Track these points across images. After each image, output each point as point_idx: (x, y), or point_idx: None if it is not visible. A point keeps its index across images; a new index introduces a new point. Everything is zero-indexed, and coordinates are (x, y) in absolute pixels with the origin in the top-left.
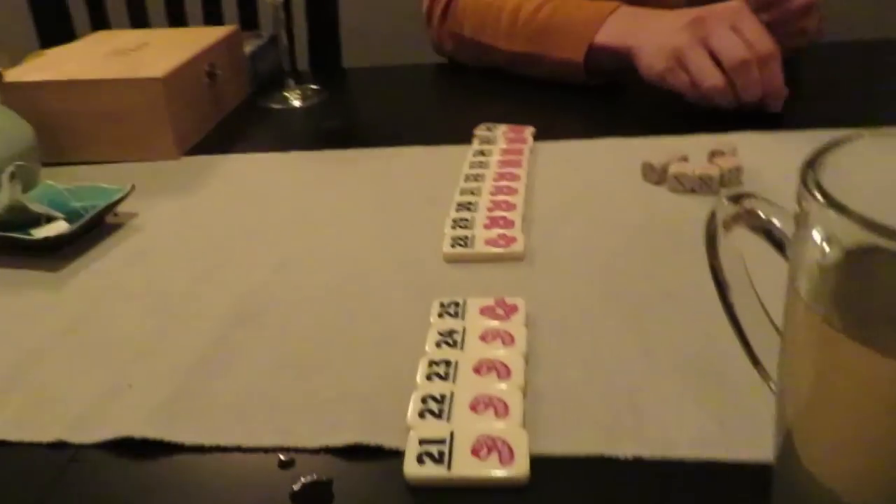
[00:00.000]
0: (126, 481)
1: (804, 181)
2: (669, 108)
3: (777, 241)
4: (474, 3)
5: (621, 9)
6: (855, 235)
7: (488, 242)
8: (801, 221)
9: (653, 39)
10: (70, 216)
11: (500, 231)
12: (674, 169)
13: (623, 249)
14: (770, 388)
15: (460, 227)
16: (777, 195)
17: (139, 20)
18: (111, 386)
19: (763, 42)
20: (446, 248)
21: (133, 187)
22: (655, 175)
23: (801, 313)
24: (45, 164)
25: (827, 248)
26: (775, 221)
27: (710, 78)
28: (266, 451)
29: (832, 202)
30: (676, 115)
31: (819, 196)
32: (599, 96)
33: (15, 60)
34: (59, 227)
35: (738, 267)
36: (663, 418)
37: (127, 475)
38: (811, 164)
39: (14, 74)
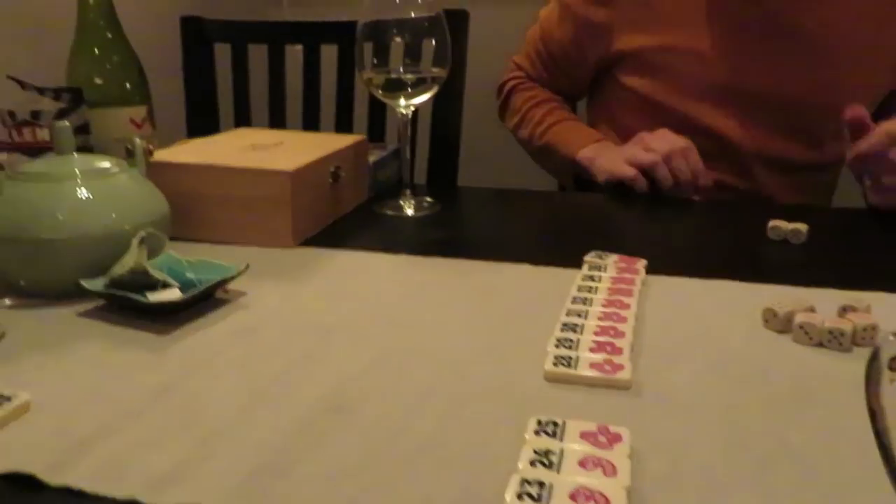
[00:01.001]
0: None
1: None
2: (795, 260)
3: None
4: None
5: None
6: None
7: (594, 366)
8: None
9: (609, 156)
10: (184, 286)
11: (607, 356)
12: (801, 318)
13: (741, 397)
14: None
15: (564, 346)
16: None
17: (278, 121)
18: (194, 452)
19: (680, 140)
20: (548, 365)
21: (247, 266)
22: (779, 323)
23: None
24: (173, 238)
25: None
26: None
27: (647, 156)
28: None
29: None
30: (801, 265)
31: None
32: (718, 238)
33: (165, 144)
34: (172, 294)
35: None
36: None
37: None
38: None
39: (162, 154)
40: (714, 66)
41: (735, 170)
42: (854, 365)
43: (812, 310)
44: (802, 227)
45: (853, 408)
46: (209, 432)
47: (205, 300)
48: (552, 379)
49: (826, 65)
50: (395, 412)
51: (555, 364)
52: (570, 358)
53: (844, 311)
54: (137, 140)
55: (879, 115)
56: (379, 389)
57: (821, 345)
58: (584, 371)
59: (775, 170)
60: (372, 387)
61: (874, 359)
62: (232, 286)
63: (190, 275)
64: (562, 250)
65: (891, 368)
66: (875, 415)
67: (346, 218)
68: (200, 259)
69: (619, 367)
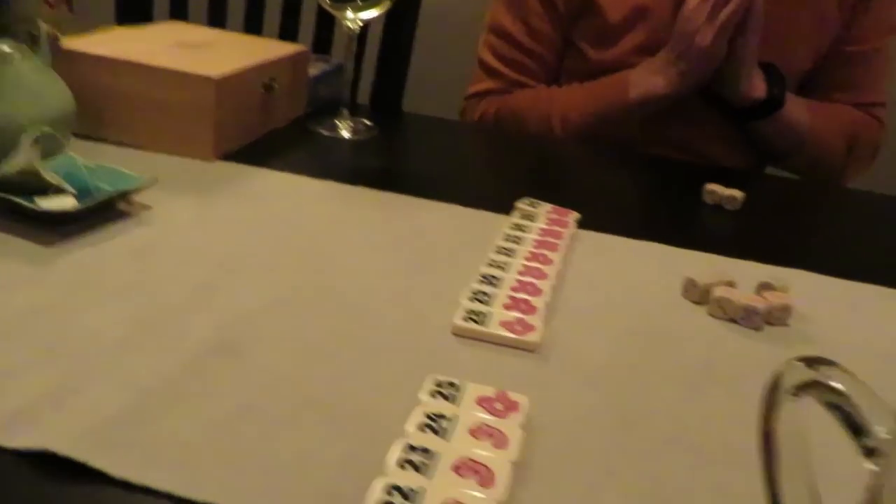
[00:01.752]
0: (34, 497)
1: None
2: (725, 228)
3: (857, 430)
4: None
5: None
6: None
7: (504, 324)
8: None
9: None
10: (81, 193)
11: (520, 315)
12: (718, 293)
13: (647, 370)
14: None
15: (479, 300)
16: (823, 348)
17: (217, 19)
18: (58, 386)
19: None
20: (458, 319)
21: (155, 180)
22: (697, 294)
23: None
24: (79, 135)
25: None
26: (863, 409)
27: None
28: None
29: None
30: (731, 237)
31: None
32: (654, 198)
33: (85, 29)
34: (65, 202)
35: (798, 444)
36: None
37: (37, 491)
38: None
39: (75, 43)
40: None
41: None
42: (763, 345)
43: (732, 284)
44: (738, 194)
45: (755, 395)
46: (78, 365)
47: (102, 212)
48: (460, 334)
49: None
50: (288, 359)
51: (465, 319)
52: (482, 313)
53: (763, 288)
54: (42, 24)
55: (803, 95)
56: (276, 332)
57: (734, 321)
58: (493, 329)
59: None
60: (269, 328)
61: (775, 384)
62: (137, 198)
63: (89, 182)
64: (496, 192)
65: (794, 395)
66: (767, 438)
67: (277, 133)
68: (103, 165)
69: (530, 329)
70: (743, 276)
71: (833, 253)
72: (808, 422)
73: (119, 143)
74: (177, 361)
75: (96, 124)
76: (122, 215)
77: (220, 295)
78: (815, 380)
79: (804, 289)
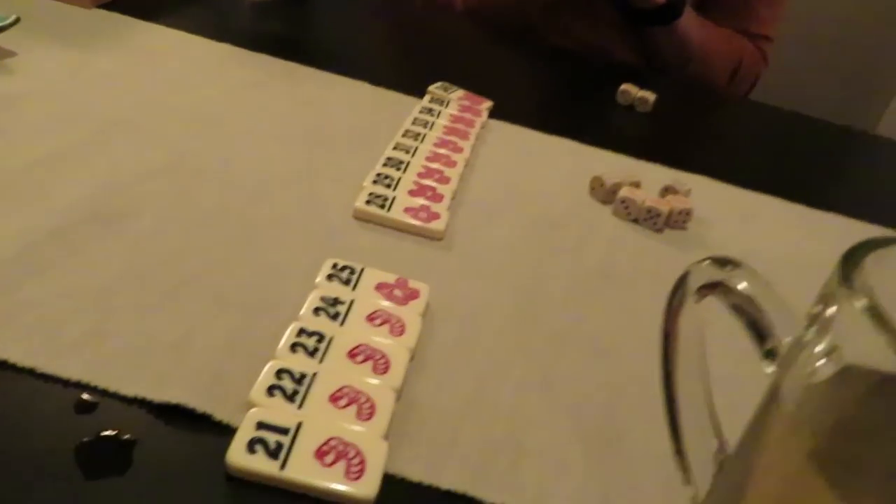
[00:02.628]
0: None
1: (845, 278)
2: (635, 129)
3: (760, 333)
4: None
5: None
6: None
7: (408, 211)
8: (819, 325)
9: None
10: None
11: (425, 202)
12: (623, 193)
13: (547, 265)
14: (686, 482)
15: (383, 184)
16: (718, 252)
17: None
18: None
19: None
20: (360, 202)
21: (17, 19)
22: (603, 193)
23: (776, 435)
24: None
25: (838, 370)
26: (767, 312)
27: None
28: (66, 384)
29: (878, 314)
30: (640, 138)
31: (862, 303)
32: (568, 93)
33: None
34: None
35: (696, 343)
36: (544, 469)
37: None
38: (852, 259)
39: None
40: None
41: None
42: (662, 247)
43: (637, 185)
44: (650, 95)
45: (650, 295)
46: None
47: None
48: (362, 217)
49: None
50: (171, 232)
51: (367, 202)
52: (386, 198)
53: (666, 191)
54: None
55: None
56: (157, 202)
57: (636, 221)
58: (397, 215)
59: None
60: (149, 198)
61: (681, 282)
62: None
63: None
64: (409, 73)
65: (698, 294)
66: (668, 337)
67: None
68: None
69: (435, 217)
70: (648, 179)
71: (736, 162)
72: (706, 323)
73: None
74: (42, 226)
75: None
76: None
77: (94, 157)
78: (721, 281)
79: (705, 195)
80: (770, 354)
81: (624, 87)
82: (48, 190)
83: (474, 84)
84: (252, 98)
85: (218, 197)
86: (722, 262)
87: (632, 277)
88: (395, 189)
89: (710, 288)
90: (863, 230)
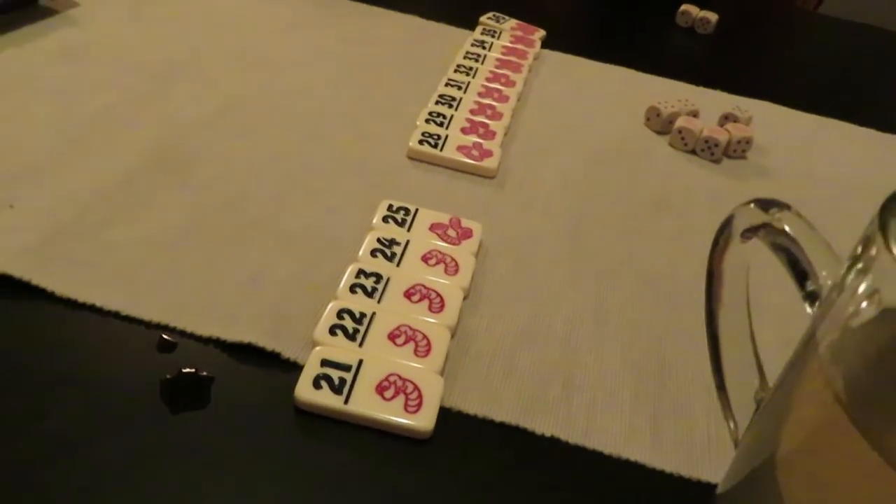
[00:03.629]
0: None
1: (882, 224)
2: (696, 53)
3: (802, 275)
4: None
5: None
6: None
7: (461, 149)
8: (859, 270)
9: None
10: None
11: (477, 140)
12: (680, 123)
13: (602, 198)
14: (727, 418)
15: (435, 122)
16: (779, 182)
17: None
18: None
19: None
20: (413, 142)
21: None
22: (660, 123)
23: (811, 377)
24: None
25: (876, 313)
26: (809, 254)
27: None
28: (148, 325)
29: None
30: (702, 60)
31: None
32: (626, 17)
33: None
34: None
35: (739, 284)
36: (594, 400)
37: None
38: (892, 205)
39: None
40: None
41: None
42: (719, 178)
43: (695, 114)
44: (712, 16)
45: (705, 226)
46: (13, 175)
47: (22, 7)
48: (415, 157)
49: None
50: (233, 176)
51: (420, 142)
52: (439, 136)
53: (726, 118)
54: None
55: None
56: (218, 147)
57: (694, 152)
58: (450, 154)
59: None
60: (211, 142)
61: (726, 224)
62: None
63: None
64: (459, 3)
65: (743, 237)
66: (712, 277)
67: None
68: None
69: (488, 154)
70: (708, 106)
71: (803, 84)
72: (750, 264)
73: None
74: (112, 173)
75: None
76: (46, 12)
77: (156, 104)
78: (766, 222)
79: (768, 121)
80: (811, 296)
81: (684, 7)
82: (115, 139)
83: (526, 12)
84: (302, 37)
85: (275, 139)
86: (767, 204)
87: (687, 209)
88: (447, 127)
89: (755, 230)
90: None
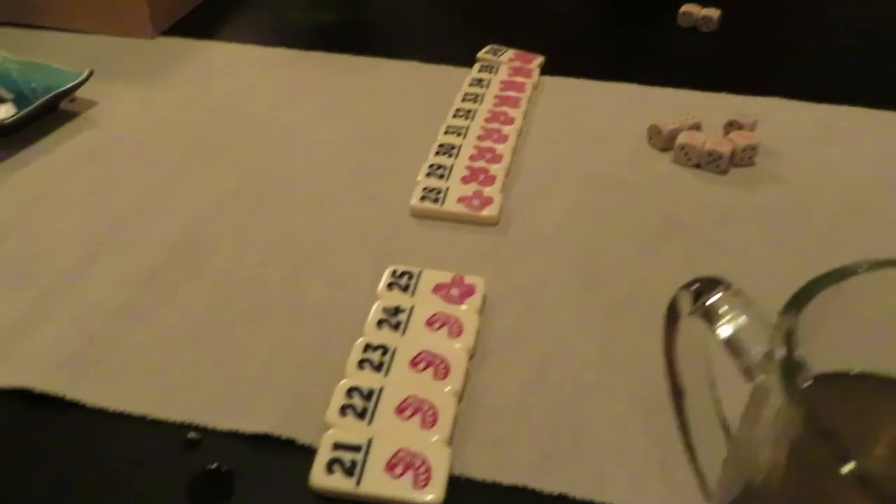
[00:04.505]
0: (11, 432)
1: (777, 327)
2: (700, 54)
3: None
4: None
5: None
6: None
7: (462, 200)
8: (767, 367)
9: None
10: (18, 98)
11: (477, 188)
12: (682, 139)
13: (607, 228)
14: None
15: (436, 175)
16: (790, 187)
17: None
18: (24, 316)
19: None
20: (415, 200)
21: (91, 73)
22: (661, 141)
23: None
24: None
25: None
26: (741, 336)
27: None
28: (173, 425)
29: (789, 380)
30: (706, 62)
31: (781, 369)
32: (625, 26)
33: None
34: (5, 111)
35: (698, 362)
36: (604, 452)
37: (14, 426)
38: (794, 307)
39: None
40: None
41: None
42: (727, 190)
43: (698, 127)
44: (713, 12)
45: (716, 243)
46: (43, 290)
47: (46, 114)
48: (418, 214)
49: None
50: (246, 258)
51: (422, 199)
52: (439, 191)
53: (731, 126)
54: None
55: None
56: (231, 230)
57: (699, 166)
58: (451, 207)
59: None
60: (223, 226)
61: (671, 307)
62: (80, 93)
63: (21, 83)
64: (458, 41)
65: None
66: (671, 362)
67: None
68: (32, 61)
69: (488, 202)
70: (713, 112)
71: (813, 72)
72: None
73: (46, 28)
74: (136, 273)
75: (18, 6)
76: (67, 116)
77: (172, 194)
78: (702, 304)
79: (777, 119)
80: (748, 372)
81: (685, 7)
82: (137, 238)
83: (525, 38)
84: (306, 101)
85: (285, 214)
86: (702, 287)
87: (696, 227)
88: (448, 178)
89: (695, 312)
90: None
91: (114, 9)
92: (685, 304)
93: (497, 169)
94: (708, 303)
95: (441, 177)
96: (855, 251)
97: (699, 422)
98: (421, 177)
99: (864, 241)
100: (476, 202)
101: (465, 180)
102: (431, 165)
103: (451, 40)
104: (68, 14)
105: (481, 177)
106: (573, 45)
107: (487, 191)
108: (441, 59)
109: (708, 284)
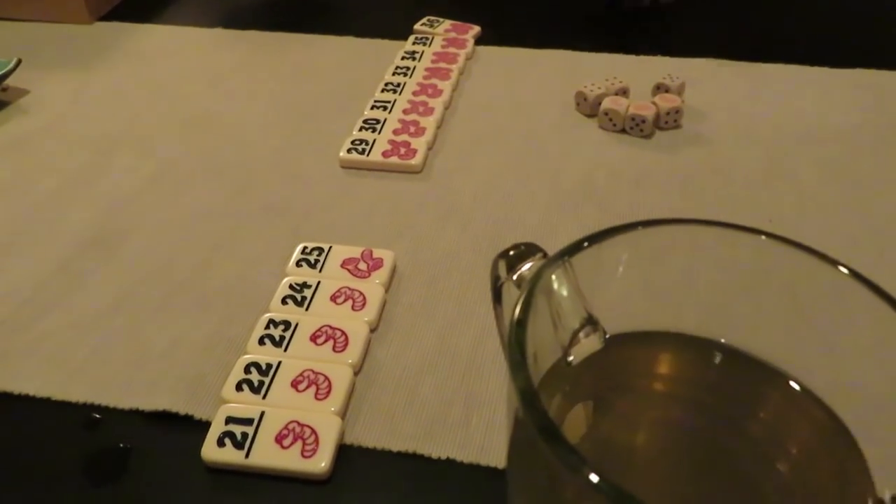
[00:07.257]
0: None
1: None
2: (640, 15)
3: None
4: None
5: None
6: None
7: (384, 164)
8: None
9: None
10: None
11: (398, 160)
12: (606, 104)
13: (525, 192)
14: None
15: (357, 151)
16: (713, 148)
17: None
18: None
19: None
20: (341, 162)
21: (19, 61)
22: (588, 107)
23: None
24: None
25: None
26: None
27: None
28: (76, 406)
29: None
30: (643, 24)
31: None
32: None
33: None
34: None
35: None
36: (492, 419)
37: None
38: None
39: None
40: None
41: None
42: (650, 154)
43: (625, 91)
44: None
45: (631, 206)
46: None
47: None
48: (347, 165)
49: None
50: (163, 242)
51: (347, 154)
52: (364, 149)
53: (658, 89)
54: None
55: None
56: (151, 215)
57: (624, 131)
58: (375, 158)
59: None
60: (144, 212)
61: (493, 270)
62: (13, 82)
63: None
64: (396, 14)
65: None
66: (501, 330)
67: None
68: None
69: (410, 163)
70: (645, 77)
71: (742, 33)
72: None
73: None
74: (49, 263)
75: None
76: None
77: (93, 183)
78: (517, 272)
79: (708, 79)
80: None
81: None
82: (54, 226)
83: (464, 9)
84: (239, 83)
85: (204, 198)
86: (516, 257)
87: (613, 192)
88: (369, 154)
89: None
90: None
91: None
92: (503, 270)
93: (419, 142)
94: (522, 270)
95: (362, 153)
96: (775, 210)
97: None
98: (343, 153)
99: (786, 200)
100: (397, 156)
101: (385, 154)
102: (354, 141)
103: (389, 14)
104: (2, 2)
105: (402, 150)
106: (514, 15)
107: (409, 160)
108: (378, 34)
109: (526, 251)
